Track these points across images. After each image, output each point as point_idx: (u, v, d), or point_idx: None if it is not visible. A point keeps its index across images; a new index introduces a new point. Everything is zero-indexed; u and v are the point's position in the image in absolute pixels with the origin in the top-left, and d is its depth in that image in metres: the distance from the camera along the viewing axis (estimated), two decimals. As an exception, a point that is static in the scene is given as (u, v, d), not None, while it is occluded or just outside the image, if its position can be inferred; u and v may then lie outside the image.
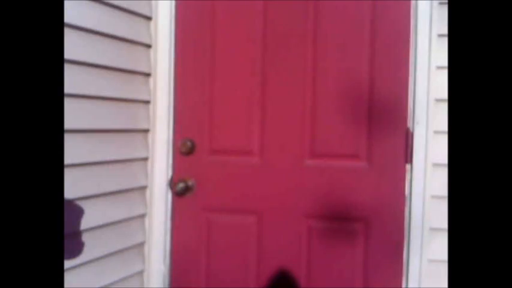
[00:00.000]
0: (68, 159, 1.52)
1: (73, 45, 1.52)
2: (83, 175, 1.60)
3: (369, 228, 1.80)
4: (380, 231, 1.80)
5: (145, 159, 1.90)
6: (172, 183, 1.91)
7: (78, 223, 1.57)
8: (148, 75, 1.90)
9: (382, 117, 1.79)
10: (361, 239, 1.81)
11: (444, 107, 1.74)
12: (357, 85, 1.80)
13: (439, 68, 1.74)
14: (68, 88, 1.50)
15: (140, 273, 1.90)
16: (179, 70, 1.90)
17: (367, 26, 1.79)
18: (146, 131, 1.91)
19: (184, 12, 1.90)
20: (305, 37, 1.82)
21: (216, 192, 1.90)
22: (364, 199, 1.80)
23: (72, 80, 1.52)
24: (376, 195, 1.79)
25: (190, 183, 1.89)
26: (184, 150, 1.87)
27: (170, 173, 1.92)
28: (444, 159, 1.74)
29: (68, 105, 1.52)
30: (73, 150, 1.54)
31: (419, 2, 1.75)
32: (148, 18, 1.88)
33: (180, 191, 1.85)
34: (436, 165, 1.75)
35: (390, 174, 1.79)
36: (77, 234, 1.58)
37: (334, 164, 1.82)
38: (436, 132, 1.75)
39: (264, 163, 1.87)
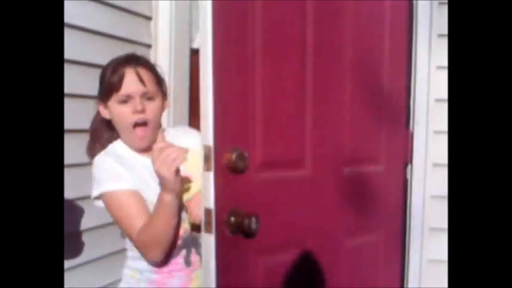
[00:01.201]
0: (68, 159, 1.51)
1: (73, 45, 1.52)
2: (83, 175, 1.59)
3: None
4: (379, 231, 1.79)
5: (145, 159, 1.90)
6: (210, 220, 1.16)
7: (78, 223, 1.57)
8: (148, 75, 1.90)
9: (382, 118, 1.78)
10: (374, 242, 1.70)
11: (444, 107, 1.74)
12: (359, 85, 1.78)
13: (439, 68, 1.74)
14: (68, 88, 1.50)
15: (140, 273, 1.90)
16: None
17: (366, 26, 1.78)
18: (146, 131, 1.90)
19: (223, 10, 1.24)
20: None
21: (276, 224, 1.34)
22: (380, 203, 1.70)
23: (72, 80, 1.52)
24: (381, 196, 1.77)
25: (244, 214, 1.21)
26: (241, 165, 1.22)
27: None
28: (444, 159, 1.73)
29: (68, 105, 1.52)
30: (73, 150, 1.54)
31: (419, 2, 1.75)
32: (149, 18, 1.88)
33: (233, 230, 1.20)
34: (436, 165, 1.75)
35: (390, 175, 1.78)
36: (77, 234, 1.58)
37: (364, 170, 1.62)
38: (436, 132, 1.75)
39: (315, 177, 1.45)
